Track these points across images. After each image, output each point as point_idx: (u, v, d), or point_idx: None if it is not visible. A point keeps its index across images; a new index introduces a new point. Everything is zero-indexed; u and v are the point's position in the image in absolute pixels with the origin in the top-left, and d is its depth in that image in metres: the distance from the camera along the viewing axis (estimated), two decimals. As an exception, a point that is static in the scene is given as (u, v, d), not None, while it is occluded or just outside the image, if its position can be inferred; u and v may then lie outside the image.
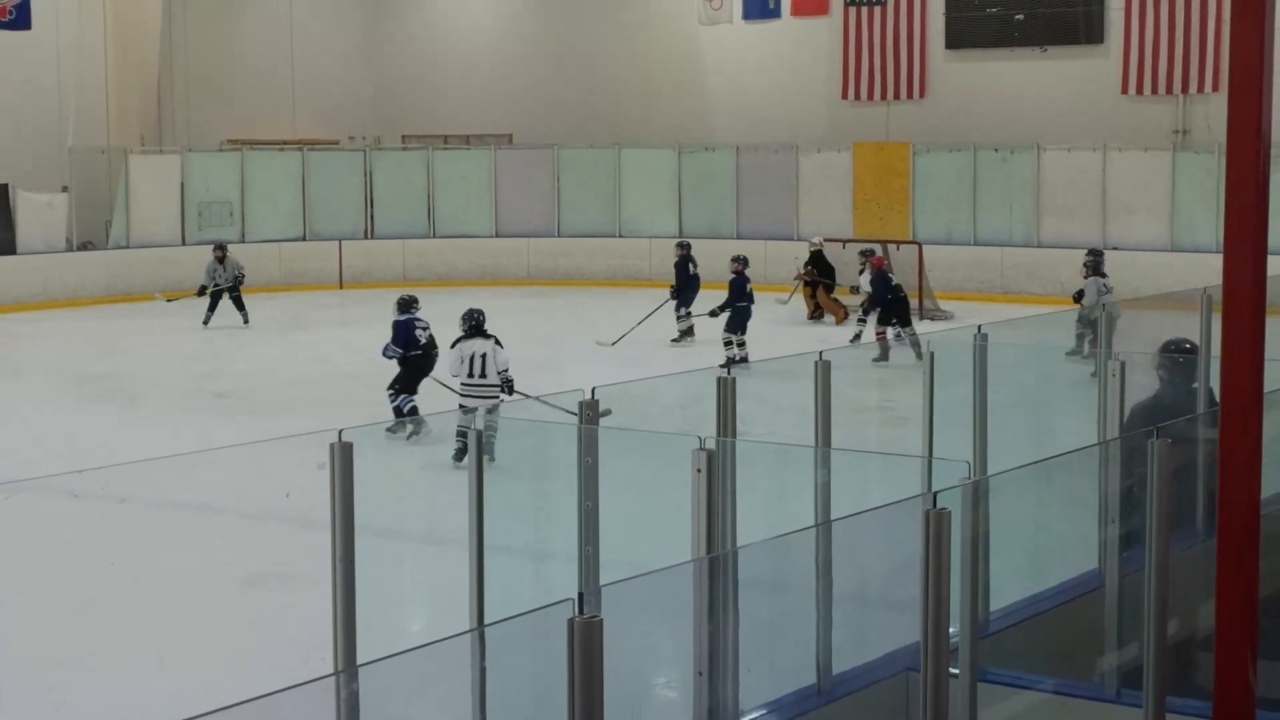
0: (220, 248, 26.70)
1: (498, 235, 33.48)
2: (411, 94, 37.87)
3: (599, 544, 6.61)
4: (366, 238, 33.48)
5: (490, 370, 14.94)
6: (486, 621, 6.59)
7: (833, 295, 26.91)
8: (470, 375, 14.99)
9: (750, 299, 21.69)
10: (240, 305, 26.27)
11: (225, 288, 26.19)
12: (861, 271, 23.47)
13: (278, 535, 12.23)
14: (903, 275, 28.13)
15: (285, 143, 34.44)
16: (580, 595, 3.52)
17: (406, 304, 17.09)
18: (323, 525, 6.49)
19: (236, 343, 24.70)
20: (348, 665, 5.76)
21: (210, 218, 31.96)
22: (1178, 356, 9.62)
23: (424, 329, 16.85)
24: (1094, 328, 19.03)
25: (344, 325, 27.03)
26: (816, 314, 26.90)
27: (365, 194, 33.71)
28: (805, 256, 27.42)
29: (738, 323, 21.47)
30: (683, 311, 23.63)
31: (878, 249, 25.56)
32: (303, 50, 36.62)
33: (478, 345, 15.12)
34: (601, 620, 3.51)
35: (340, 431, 6.03)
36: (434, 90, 37.63)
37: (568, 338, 25.20)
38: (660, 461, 6.87)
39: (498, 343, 15.29)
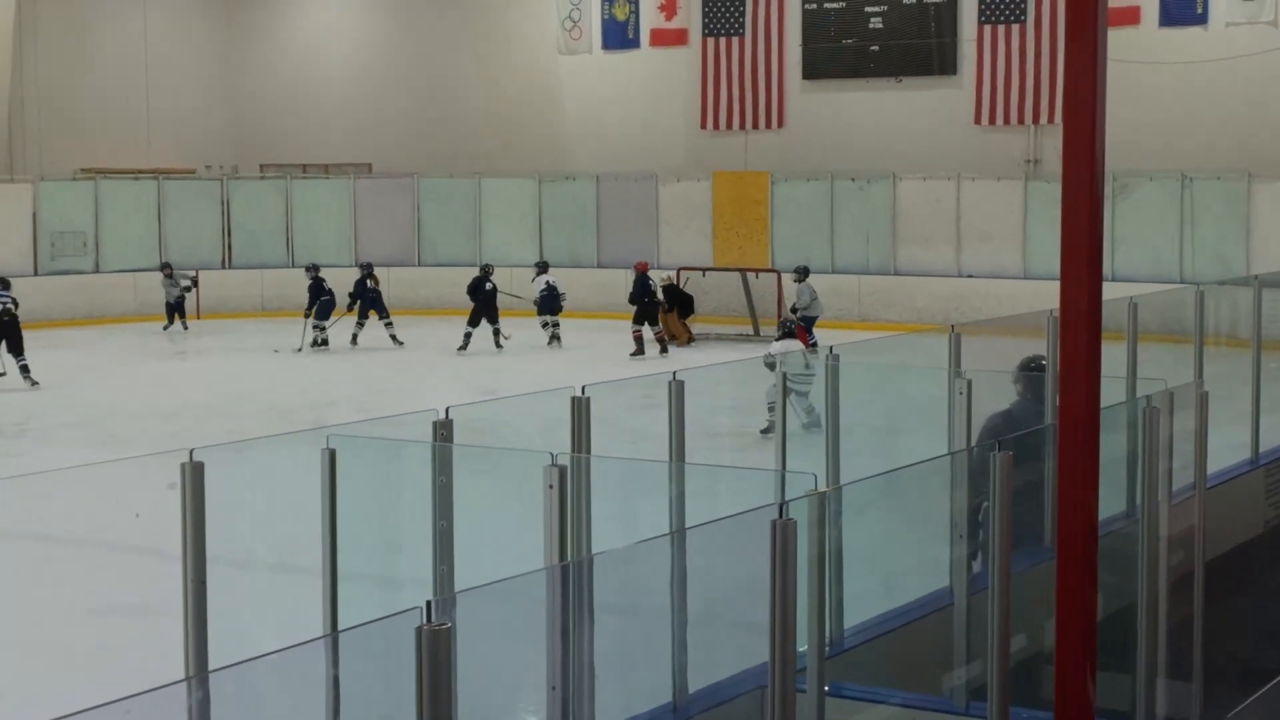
0: (166, 265, 30.11)
1: (357, 264, 33.23)
2: (269, 123, 37.58)
3: (454, 564, 6.60)
4: (224, 268, 33.15)
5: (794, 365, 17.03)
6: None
7: (685, 320, 27.43)
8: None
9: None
10: (182, 314, 29.81)
11: (175, 299, 29.53)
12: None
13: (129, 565, 12.03)
14: (762, 303, 28.50)
15: (140, 171, 34.01)
16: (429, 603, 3.53)
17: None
18: (175, 556, 6.40)
19: (90, 373, 24.31)
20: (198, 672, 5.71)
21: (64, 248, 31.47)
22: (1031, 374, 9.81)
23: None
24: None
25: (200, 355, 26.72)
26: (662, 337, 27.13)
27: (223, 223, 33.38)
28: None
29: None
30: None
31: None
32: (158, 78, 36.19)
33: (788, 344, 18.02)
34: (450, 628, 3.52)
35: (191, 451, 5.98)
36: (292, 119, 37.36)
37: (427, 365, 25.15)
38: (516, 481, 6.88)
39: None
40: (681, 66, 33.29)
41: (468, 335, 26.33)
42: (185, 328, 29.69)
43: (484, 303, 26.54)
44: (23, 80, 33.87)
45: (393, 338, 27.10)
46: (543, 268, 28.11)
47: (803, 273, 26.28)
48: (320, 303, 26.86)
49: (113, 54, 35.74)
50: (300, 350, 26.30)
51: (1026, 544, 8.75)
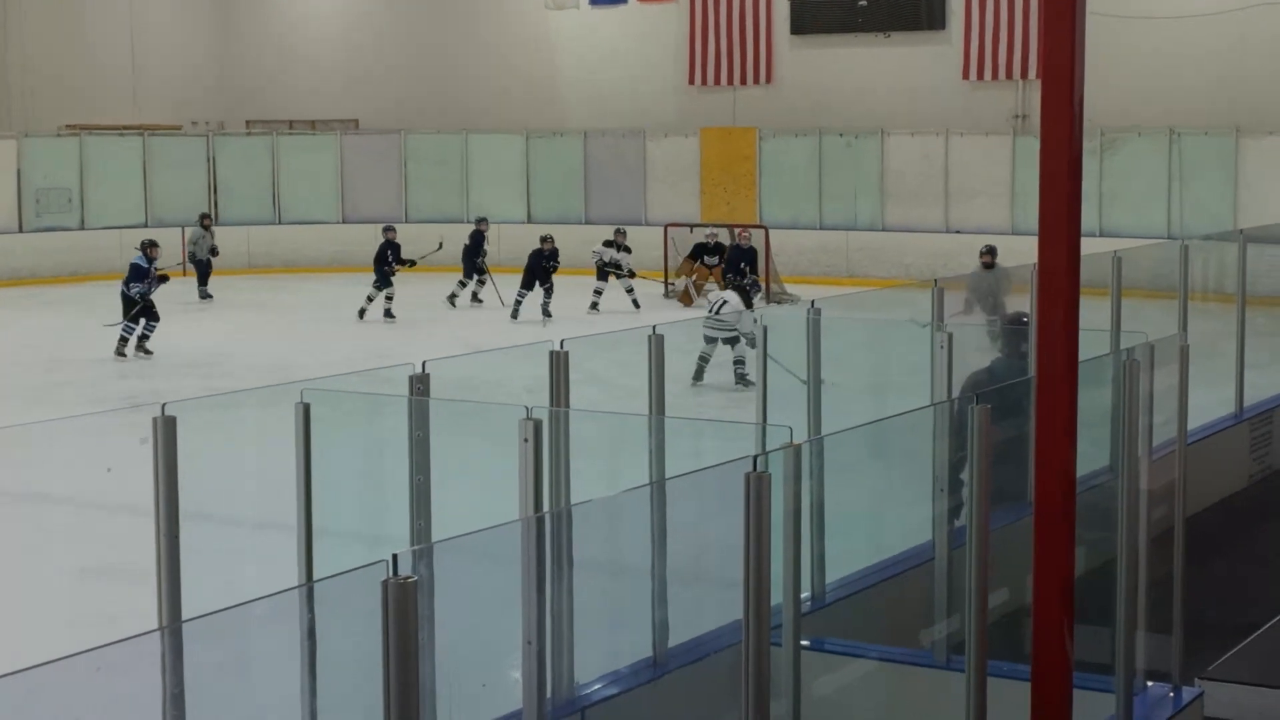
0: (206, 216, 29.52)
1: (344, 221, 33.18)
2: (256, 78, 37.35)
3: (431, 519, 6.57)
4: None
5: (726, 312, 18.33)
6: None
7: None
8: (711, 312, 18.61)
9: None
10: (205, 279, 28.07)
11: (206, 258, 28.06)
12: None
13: (111, 526, 11.98)
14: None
15: (126, 128, 33.81)
16: (394, 556, 3.49)
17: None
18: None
19: (78, 333, 24.21)
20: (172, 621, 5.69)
21: (49, 204, 31.33)
22: (1012, 328, 9.79)
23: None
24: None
25: (186, 314, 26.63)
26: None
27: (209, 180, 33.24)
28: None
29: None
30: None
31: None
32: (144, 33, 35.95)
33: (728, 295, 19.35)
34: (416, 581, 3.49)
35: (164, 405, 5.94)
36: (279, 74, 37.13)
37: (418, 325, 25.09)
38: (495, 436, 6.85)
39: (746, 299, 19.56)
40: (669, 22, 33.11)
41: (518, 301, 25.52)
42: (209, 296, 28.05)
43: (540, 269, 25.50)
44: (7, 35, 33.67)
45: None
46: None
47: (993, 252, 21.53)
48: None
49: (98, 8, 35.49)
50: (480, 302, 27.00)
51: (1009, 500, 8.74)
